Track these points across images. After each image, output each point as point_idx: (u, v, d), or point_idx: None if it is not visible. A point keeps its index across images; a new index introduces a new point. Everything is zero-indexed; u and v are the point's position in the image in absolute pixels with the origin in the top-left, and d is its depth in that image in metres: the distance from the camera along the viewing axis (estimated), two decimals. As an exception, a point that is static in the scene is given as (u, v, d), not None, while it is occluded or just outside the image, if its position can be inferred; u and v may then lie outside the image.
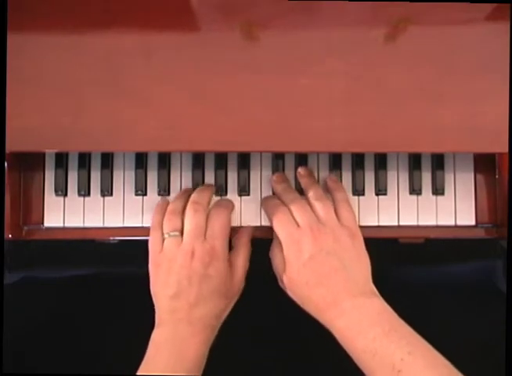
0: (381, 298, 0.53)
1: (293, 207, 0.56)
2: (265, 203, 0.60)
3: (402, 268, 0.69)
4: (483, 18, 0.56)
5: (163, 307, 0.55)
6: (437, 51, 0.55)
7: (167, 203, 0.58)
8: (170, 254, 0.55)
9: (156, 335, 0.54)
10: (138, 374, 0.51)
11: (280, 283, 0.57)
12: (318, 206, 0.56)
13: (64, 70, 0.54)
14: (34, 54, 0.55)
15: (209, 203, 0.58)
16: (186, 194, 0.59)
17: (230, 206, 0.59)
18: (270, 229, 0.58)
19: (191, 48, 0.55)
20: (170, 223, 0.56)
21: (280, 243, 0.56)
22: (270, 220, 0.57)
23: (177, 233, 0.56)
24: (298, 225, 0.55)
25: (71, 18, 0.55)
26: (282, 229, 0.55)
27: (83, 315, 0.65)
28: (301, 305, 0.55)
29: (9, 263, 0.66)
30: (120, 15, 0.56)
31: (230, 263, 0.57)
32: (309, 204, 0.57)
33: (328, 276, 0.53)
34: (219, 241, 0.56)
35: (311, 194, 0.57)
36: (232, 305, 0.57)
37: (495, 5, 0.55)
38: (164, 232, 0.56)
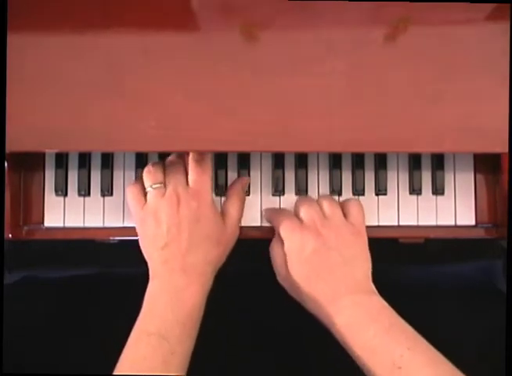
0: (380, 296, 0.53)
1: (299, 204, 0.57)
2: (267, 211, 0.60)
3: (402, 268, 0.69)
4: (483, 18, 0.56)
5: (155, 260, 0.54)
6: (437, 51, 0.55)
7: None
8: (155, 205, 0.55)
9: (151, 288, 0.53)
10: (135, 328, 0.51)
11: (279, 279, 0.57)
12: (324, 203, 0.56)
13: (64, 70, 0.54)
14: (34, 54, 0.55)
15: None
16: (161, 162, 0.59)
17: (208, 155, 0.58)
18: (270, 229, 0.58)
19: (191, 48, 0.55)
20: (151, 175, 0.56)
21: (281, 239, 0.56)
22: (274, 222, 0.57)
23: (159, 185, 0.56)
24: (302, 223, 0.55)
25: (71, 18, 0.55)
26: (285, 226, 0.55)
27: (83, 315, 0.65)
28: (300, 301, 0.55)
29: (9, 263, 0.66)
30: (120, 15, 0.56)
31: (223, 211, 0.58)
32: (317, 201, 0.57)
33: (329, 271, 0.53)
34: (203, 185, 0.56)
35: (320, 196, 0.58)
36: (226, 253, 0.57)
37: (495, 5, 0.55)
38: (146, 185, 0.56)
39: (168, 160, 0.58)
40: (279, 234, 0.56)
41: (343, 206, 0.57)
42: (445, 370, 0.48)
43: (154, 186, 0.56)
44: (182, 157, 0.58)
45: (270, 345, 0.62)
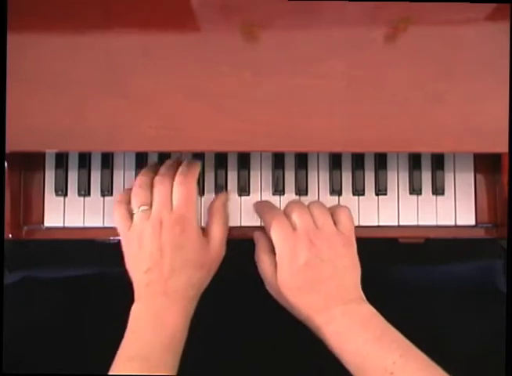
0: (370, 305, 0.53)
1: (291, 209, 0.56)
2: (258, 206, 0.60)
3: (402, 268, 0.69)
4: (483, 18, 0.56)
5: (138, 282, 0.54)
6: (437, 51, 0.55)
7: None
8: (139, 228, 0.55)
9: (134, 310, 0.53)
10: (118, 353, 0.51)
11: (267, 287, 0.57)
12: (316, 211, 0.56)
13: (64, 70, 0.54)
14: (34, 54, 0.55)
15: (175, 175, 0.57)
16: (152, 169, 0.59)
17: (195, 172, 0.57)
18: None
19: (191, 48, 0.55)
20: (138, 198, 0.56)
21: (265, 246, 0.56)
22: (265, 224, 0.57)
23: (146, 208, 0.55)
24: (294, 229, 0.55)
25: (71, 18, 0.55)
26: (278, 232, 0.55)
27: (83, 315, 0.65)
28: (289, 310, 0.55)
29: (9, 263, 0.66)
30: (120, 15, 0.56)
31: (206, 231, 0.57)
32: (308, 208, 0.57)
33: (321, 283, 0.53)
34: (187, 209, 0.55)
35: (310, 202, 0.58)
36: (211, 274, 0.56)
37: (495, 5, 0.55)
38: (133, 207, 0.56)
39: (156, 180, 0.57)
40: (260, 240, 0.57)
41: (332, 213, 0.57)
42: None
43: (141, 209, 0.55)
44: (174, 167, 0.58)
45: (266, 347, 0.62)
